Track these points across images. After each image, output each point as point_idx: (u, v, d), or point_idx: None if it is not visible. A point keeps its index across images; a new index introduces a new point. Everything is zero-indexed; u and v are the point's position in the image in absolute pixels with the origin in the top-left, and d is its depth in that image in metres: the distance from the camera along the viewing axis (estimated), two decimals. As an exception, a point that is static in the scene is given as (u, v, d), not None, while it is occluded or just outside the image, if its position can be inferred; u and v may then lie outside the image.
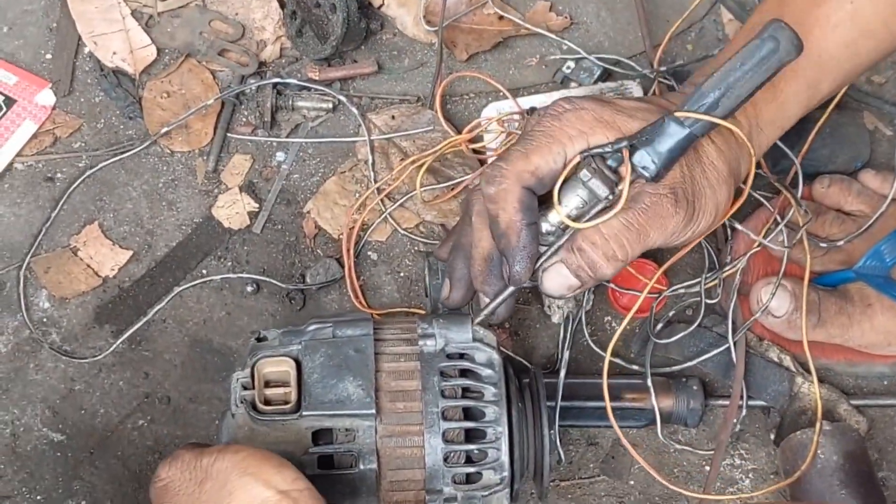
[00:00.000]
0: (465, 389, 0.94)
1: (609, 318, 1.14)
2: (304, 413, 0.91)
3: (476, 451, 0.92)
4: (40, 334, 1.12)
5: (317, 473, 0.90)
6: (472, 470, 0.92)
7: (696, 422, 1.07)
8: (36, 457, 1.08)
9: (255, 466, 0.83)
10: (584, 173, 0.91)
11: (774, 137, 0.98)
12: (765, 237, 1.08)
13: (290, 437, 0.92)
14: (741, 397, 1.06)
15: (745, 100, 0.88)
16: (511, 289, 0.95)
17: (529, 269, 0.93)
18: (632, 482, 1.08)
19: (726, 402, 1.08)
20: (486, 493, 0.92)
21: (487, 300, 0.96)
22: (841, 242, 1.08)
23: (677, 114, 0.88)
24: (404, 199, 1.18)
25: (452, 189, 1.17)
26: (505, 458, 0.92)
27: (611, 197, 0.90)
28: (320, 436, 0.92)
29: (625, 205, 0.89)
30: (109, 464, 1.07)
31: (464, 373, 0.94)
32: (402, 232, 1.17)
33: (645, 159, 0.89)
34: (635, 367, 1.10)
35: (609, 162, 0.91)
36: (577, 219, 0.91)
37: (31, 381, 1.10)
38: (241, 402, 0.92)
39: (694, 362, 1.08)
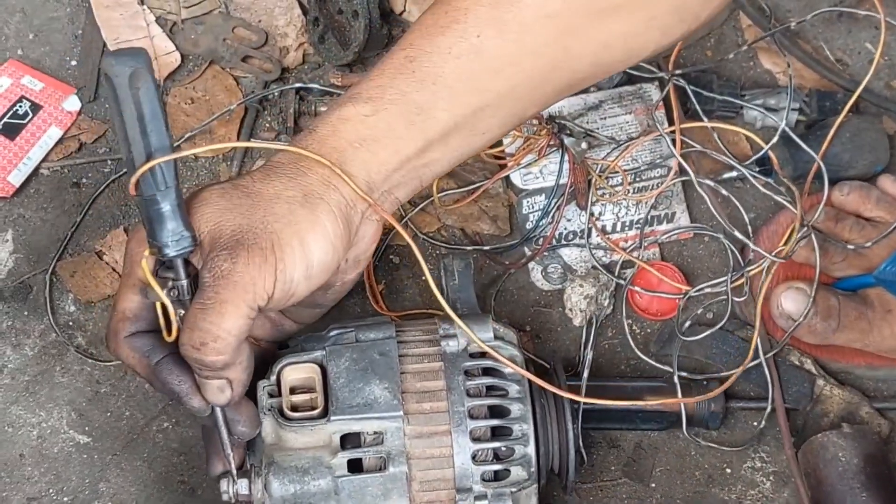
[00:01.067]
0: (490, 388, 0.95)
1: (630, 321, 1.14)
2: (333, 418, 0.92)
3: (503, 449, 0.93)
4: (66, 338, 1.13)
5: (346, 477, 0.91)
6: (500, 467, 0.93)
7: (717, 424, 1.08)
8: (62, 458, 1.09)
9: None
10: (143, 291, 0.89)
11: (390, 150, 0.92)
12: (786, 241, 1.08)
13: (318, 441, 0.92)
14: (769, 399, 1.08)
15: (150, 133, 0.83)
16: (219, 416, 0.91)
17: (194, 394, 0.89)
18: (654, 485, 1.09)
19: (747, 405, 1.09)
20: (516, 489, 0.93)
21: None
22: (870, 244, 1.08)
23: (130, 191, 0.84)
24: (424, 203, 1.19)
25: (472, 193, 1.18)
26: (532, 453, 0.93)
27: (188, 294, 0.88)
28: (348, 440, 0.93)
29: (199, 290, 0.86)
30: (135, 466, 1.08)
31: (487, 371, 0.95)
32: (423, 236, 1.18)
33: (165, 238, 0.85)
34: (666, 368, 1.10)
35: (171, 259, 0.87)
36: None
37: (57, 383, 1.11)
38: (269, 410, 0.93)
39: (731, 373, 1.07)
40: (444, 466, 0.92)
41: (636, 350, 1.12)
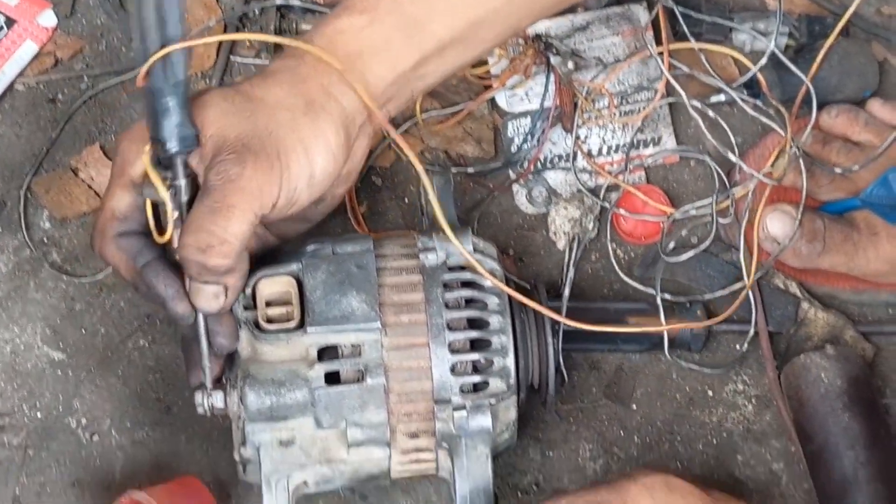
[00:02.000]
0: (469, 300, 0.93)
1: (614, 244, 1.13)
2: (309, 329, 0.91)
3: (482, 361, 0.92)
4: (41, 254, 1.11)
5: (323, 389, 0.90)
6: (478, 379, 0.92)
7: (699, 347, 1.07)
8: (36, 374, 1.07)
9: None
10: (138, 188, 0.87)
11: (387, 63, 0.91)
12: (773, 164, 1.07)
13: (295, 354, 0.91)
14: (752, 322, 1.07)
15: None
16: (201, 325, 0.89)
17: (181, 299, 0.88)
18: (634, 407, 1.08)
19: (730, 328, 1.08)
20: (494, 401, 0.92)
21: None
22: (857, 167, 1.07)
23: (138, 81, 0.84)
24: (408, 124, 1.17)
25: (456, 115, 1.16)
26: (511, 365, 0.93)
27: (185, 195, 0.86)
28: (325, 353, 0.92)
29: (202, 192, 0.85)
30: (110, 383, 1.07)
31: (466, 284, 0.94)
32: (406, 158, 1.16)
33: (169, 133, 0.84)
34: (650, 291, 1.09)
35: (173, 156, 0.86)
36: None
37: (31, 299, 1.10)
38: (244, 323, 0.92)
39: (712, 295, 1.08)
40: (423, 378, 0.91)
41: (620, 273, 1.11)
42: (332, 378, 0.91)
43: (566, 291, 1.05)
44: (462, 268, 0.94)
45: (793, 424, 1.04)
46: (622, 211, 1.12)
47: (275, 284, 0.92)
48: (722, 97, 1.16)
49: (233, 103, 0.88)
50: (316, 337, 0.91)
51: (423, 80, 0.94)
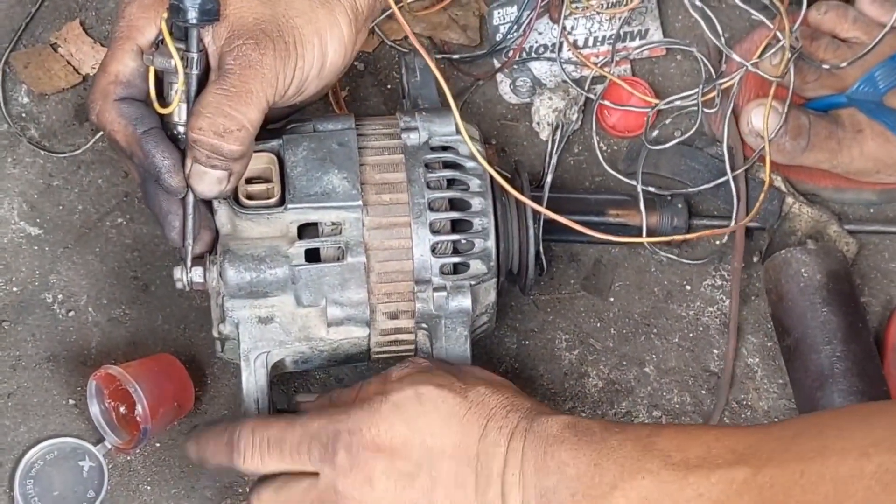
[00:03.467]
0: (451, 181, 0.93)
1: (597, 138, 1.12)
2: (290, 206, 0.90)
3: (463, 242, 0.92)
4: (19, 129, 1.10)
5: (304, 266, 0.89)
6: (459, 260, 0.92)
7: (679, 240, 1.07)
8: (12, 249, 1.07)
9: None
10: (146, 56, 0.85)
11: None
12: (760, 57, 1.06)
13: (275, 231, 0.91)
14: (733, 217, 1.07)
15: None
16: (189, 202, 0.88)
17: (177, 172, 0.86)
18: (612, 299, 1.08)
19: (711, 222, 1.08)
20: (475, 282, 0.92)
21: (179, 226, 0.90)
22: (845, 64, 1.06)
23: None
24: (392, 10, 1.15)
25: (442, 1, 1.15)
26: (492, 247, 0.92)
27: (196, 69, 0.85)
28: (305, 230, 0.91)
29: (217, 73, 0.85)
30: (87, 260, 1.06)
31: (448, 165, 0.94)
32: (390, 43, 1.15)
33: (191, 1, 0.82)
34: (632, 184, 1.08)
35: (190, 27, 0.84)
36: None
37: (8, 174, 1.08)
38: (224, 199, 0.91)
39: (696, 189, 1.08)
40: (403, 258, 0.91)
41: (604, 164, 1.10)
42: (313, 255, 0.90)
43: (548, 179, 1.05)
44: (444, 148, 0.94)
45: (772, 318, 1.04)
46: (607, 102, 1.11)
47: (255, 161, 0.91)
48: (711, -11, 1.15)
49: None
50: (296, 214, 0.90)
51: None
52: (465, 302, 0.91)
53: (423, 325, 0.93)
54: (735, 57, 1.06)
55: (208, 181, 0.87)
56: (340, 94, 1.12)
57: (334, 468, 0.85)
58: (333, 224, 0.90)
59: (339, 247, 0.90)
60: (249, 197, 0.91)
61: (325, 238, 0.90)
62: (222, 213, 0.91)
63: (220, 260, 0.90)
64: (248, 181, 0.92)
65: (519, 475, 0.82)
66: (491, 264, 0.93)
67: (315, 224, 0.91)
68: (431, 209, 0.91)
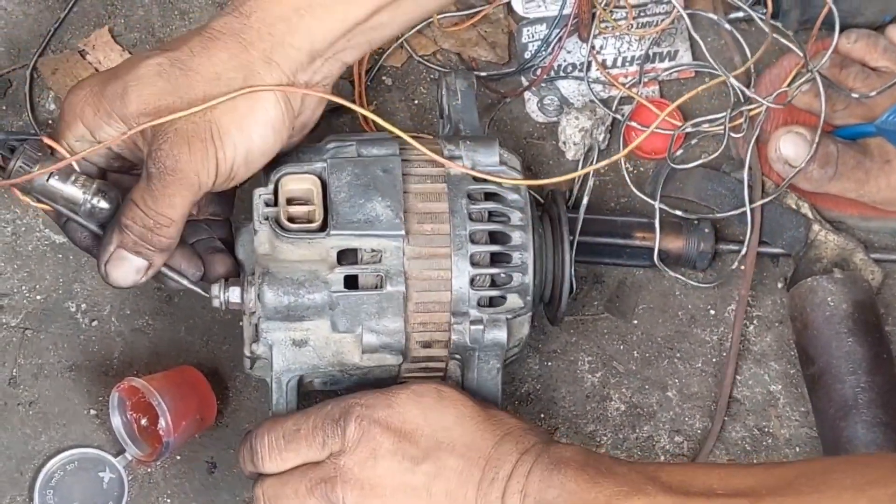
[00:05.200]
0: (492, 213, 0.93)
1: (624, 159, 1.12)
2: (332, 232, 0.90)
3: (502, 275, 0.92)
4: (45, 136, 1.09)
5: (343, 293, 0.90)
6: (497, 293, 0.92)
7: (704, 265, 1.08)
8: (36, 257, 1.07)
9: None
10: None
11: (338, 15, 0.89)
12: (789, 85, 1.07)
13: (315, 255, 0.91)
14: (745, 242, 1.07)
15: None
16: (166, 273, 0.93)
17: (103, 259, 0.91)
18: (635, 322, 1.09)
19: (736, 247, 1.08)
20: (511, 316, 0.92)
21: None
22: (874, 94, 1.07)
23: None
24: (422, 24, 1.15)
25: (472, 17, 1.15)
26: (530, 282, 0.92)
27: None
28: (345, 256, 0.91)
29: (144, 175, 0.87)
30: (113, 271, 1.06)
31: (490, 196, 0.94)
32: (418, 59, 1.15)
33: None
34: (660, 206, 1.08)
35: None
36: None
37: (34, 183, 1.08)
38: (265, 220, 0.91)
39: (722, 215, 1.08)
40: (442, 289, 0.91)
41: (630, 185, 1.10)
42: (351, 282, 0.90)
43: (585, 201, 1.05)
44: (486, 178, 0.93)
45: (796, 346, 1.05)
46: (635, 123, 1.11)
47: (298, 182, 0.91)
48: (740, 14, 1.15)
49: (168, 80, 0.87)
50: (338, 240, 0.90)
51: (378, 32, 0.92)
52: (500, 335, 0.92)
53: (457, 356, 0.93)
54: (757, 97, 1.06)
55: (128, 270, 0.90)
56: (368, 110, 1.12)
57: (343, 440, 0.87)
58: (374, 251, 0.90)
59: (379, 274, 0.90)
60: (290, 218, 0.91)
61: (366, 265, 0.90)
62: (262, 234, 0.91)
63: (259, 282, 0.90)
64: (290, 202, 0.92)
65: (523, 484, 0.85)
66: (528, 298, 0.93)
67: (354, 249, 0.91)
68: (472, 241, 0.91)
